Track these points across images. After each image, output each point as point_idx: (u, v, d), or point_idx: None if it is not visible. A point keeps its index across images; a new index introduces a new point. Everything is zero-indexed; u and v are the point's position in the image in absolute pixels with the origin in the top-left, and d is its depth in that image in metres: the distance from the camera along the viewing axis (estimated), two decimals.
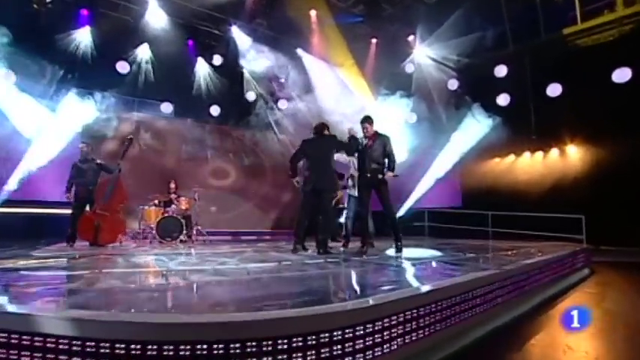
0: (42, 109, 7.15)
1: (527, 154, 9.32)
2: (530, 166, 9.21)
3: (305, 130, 10.74)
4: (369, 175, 4.99)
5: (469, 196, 9.32)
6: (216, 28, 9.32)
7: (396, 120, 10.43)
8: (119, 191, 5.19)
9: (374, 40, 10.31)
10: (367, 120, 5.16)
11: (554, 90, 8.73)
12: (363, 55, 10.55)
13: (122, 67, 8.83)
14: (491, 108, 9.06)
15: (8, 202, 6.56)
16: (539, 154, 9.20)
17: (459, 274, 2.85)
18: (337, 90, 10.48)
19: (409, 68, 10.47)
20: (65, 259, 3.76)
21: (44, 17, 7.53)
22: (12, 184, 6.42)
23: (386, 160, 5.23)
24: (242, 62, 10.03)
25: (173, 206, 6.36)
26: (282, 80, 10.87)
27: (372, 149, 5.02)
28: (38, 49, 7.32)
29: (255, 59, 10.01)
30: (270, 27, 10.01)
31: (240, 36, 9.68)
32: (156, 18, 8.32)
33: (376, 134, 5.17)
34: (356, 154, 5.58)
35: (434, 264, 4.13)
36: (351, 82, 10.54)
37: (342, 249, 5.40)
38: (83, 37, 7.98)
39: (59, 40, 7.73)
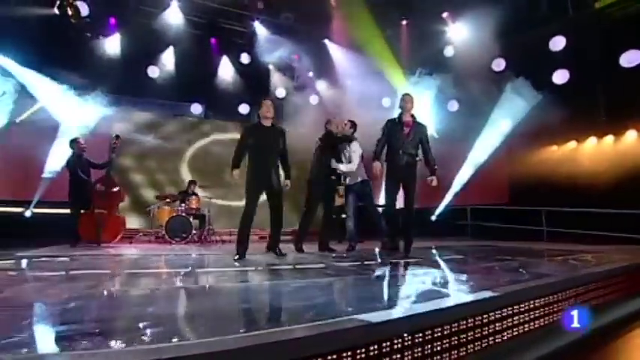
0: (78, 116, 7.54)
1: (592, 140, 7.81)
2: (596, 152, 7.69)
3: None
4: (400, 167, 4.36)
5: (518, 191, 8.06)
6: (239, 25, 9.19)
7: (429, 106, 9.53)
8: (113, 189, 5.22)
9: (404, 22, 9.46)
10: (409, 95, 4.52)
11: (630, 59, 7.16)
12: (394, 39, 9.77)
13: (152, 71, 9.13)
14: (545, 88, 7.75)
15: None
16: (609, 138, 7.64)
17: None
18: (366, 79, 9.86)
19: (446, 50, 9.44)
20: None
21: (77, 28, 7.96)
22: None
23: (419, 152, 4.61)
24: (268, 58, 9.83)
25: (183, 205, 6.29)
26: (310, 74, 10.52)
27: (408, 137, 4.39)
28: (71, 59, 7.81)
29: (281, 53, 9.76)
30: (295, 19, 9.67)
31: (263, 31, 9.47)
32: (177, 20, 8.40)
33: (414, 122, 4.50)
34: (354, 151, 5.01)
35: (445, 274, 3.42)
36: (382, 70, 9.83)
37: (344, 254, 4.81)
38: (112, 45, 8.34)
39: (90, 48, 8.16)
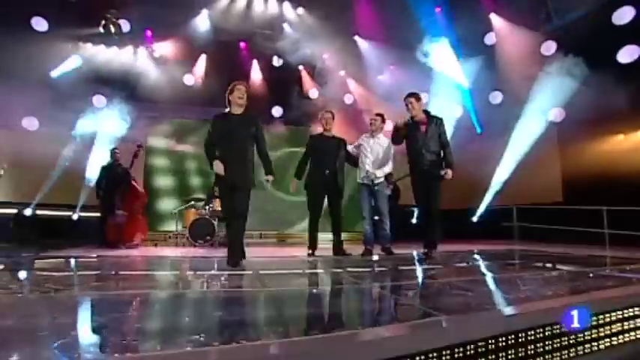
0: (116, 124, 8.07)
1: None
2: None
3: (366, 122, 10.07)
4: (425, 167, 4.17)
5: (574, 188, 7.08)
6: (268, 28, 9.23)
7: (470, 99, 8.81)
8: (133, 193, 5.46)
9: (437, 9, 8.83)
10: (412, 95, 4.28)
11: None
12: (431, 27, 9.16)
13: (188, 79, 9.51)
14: (606, 68, 6.71)
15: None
16: None
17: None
18: (401, 73, 9.39)
19: (487, 38, 8.64)
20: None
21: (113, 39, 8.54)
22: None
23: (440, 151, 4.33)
24: (298, 59, 9.77)
25: (207, 208, 6.39)
26: (342, 73, 10.28)
27: (427, 136, 4.18)
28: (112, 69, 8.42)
29: (311, 54, 9.64)
30: (324, 17, 9.50)
31: (293, 32, 9.42)
32: (206, 27, 8.66)
33: (429, 117, 4.27)
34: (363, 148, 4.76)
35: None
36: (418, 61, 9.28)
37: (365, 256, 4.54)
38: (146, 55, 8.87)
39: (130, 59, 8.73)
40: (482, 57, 8.64)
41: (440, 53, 8.80)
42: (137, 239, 5.51)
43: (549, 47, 7.73)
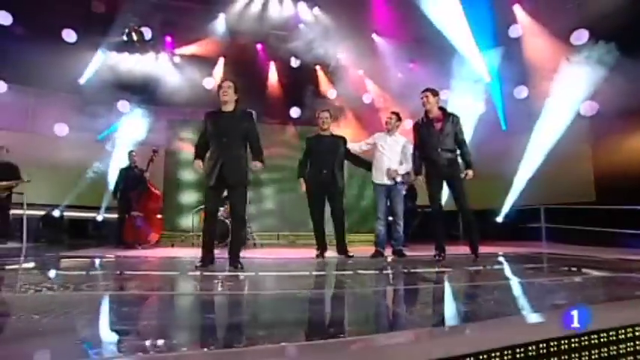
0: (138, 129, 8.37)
1: None
2: None
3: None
4: (442, 166, 4.06)
5: (607, 187, 6.57)
6: (284, 29, 9.27)
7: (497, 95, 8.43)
8: (149, 194, 5.60)
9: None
10: (428, 90, 4.17)
11: None
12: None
13: (208, 83, 9.72)
14: None
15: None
16: None
17: None
18: (419, 70, 9.15)
19: (511, 30, 8.22)
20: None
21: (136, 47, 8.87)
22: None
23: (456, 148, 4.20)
24: (315, 59, 9.74)
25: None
26: (361, 72, 10.14)
27: (443, 132, 4.06)
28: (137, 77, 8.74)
29: (329, 54, 9.59)
30: (340, 16, 9.42)
31: (309, 32, 9.41)
32: (223, 30, 8.82)
33: (444, 114, 4.15)
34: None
35: None
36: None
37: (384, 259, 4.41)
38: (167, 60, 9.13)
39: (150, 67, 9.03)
40: (506, 49, 8.25)
41: (462, 46, 8.50)
42: (153, 240, 5.66)
43: (580, 36, 7.23)
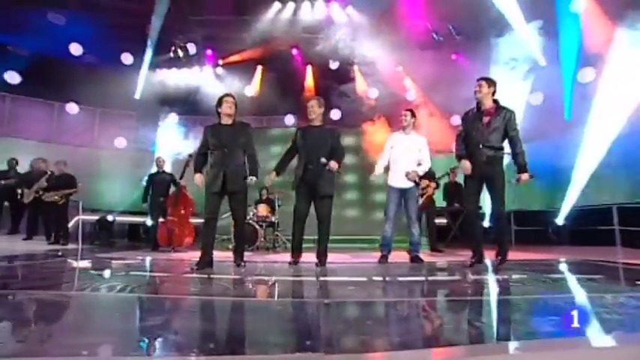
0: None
1: None
2: None
3: (437, 122, 9.30)
4: (480, 164, 3.67)
5: None
6: (317, 31, 9.24)
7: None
8: (182, 199, 5.87)
9: None
10: (484, 79, 3.79)
11: None
12: None
13: (249, 90, 10.08)
14: None
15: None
16: None
17: None
18: (463, 62, 8.45)
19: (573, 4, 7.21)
20: None
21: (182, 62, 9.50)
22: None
23: (505, 146, 3.78)
24: (351, 59, 9.55)
25: (251, 213, 6.52)
26: (400, 69, 9.71)
27: (489, 127, 3.66)
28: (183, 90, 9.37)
29: (365, 53, 9.34)
30: (374, 13, 9.13)
31: (344, 32, 9.25)
32: (259, 39, 9.06)
33: (497, 108, 3.74)
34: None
35: None
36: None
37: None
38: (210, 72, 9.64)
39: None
40: (564, 28, 7.26)
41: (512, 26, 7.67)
42: (187, 244, 5.92)
43: None
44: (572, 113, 7.61)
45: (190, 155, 6.06)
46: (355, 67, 9.84)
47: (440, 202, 7.21)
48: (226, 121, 3.68)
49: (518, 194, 6.87)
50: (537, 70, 7.56)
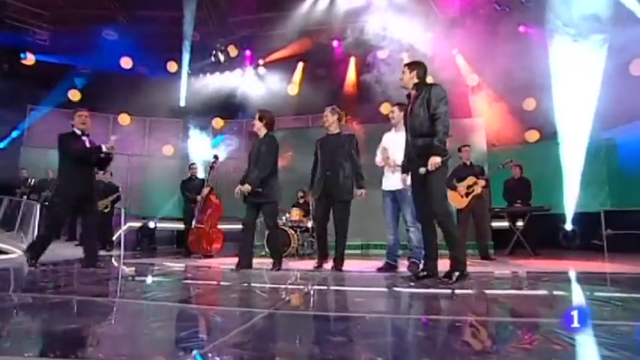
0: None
1: None
2: None
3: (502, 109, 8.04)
4: (414, 156, 3.02)
5: None
6: (356, 20, 8.48)
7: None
8: (210, 205, 5.54)
9: None
10: (406, 64, 3.16)
11: None
12: None
13: (291, 89, 9.69)
14: None
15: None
16: None
17: None
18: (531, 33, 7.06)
19: None
20: None
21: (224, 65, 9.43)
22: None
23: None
24: (398, 47, 8.62)
25: (284, 218, 6.04)
26: (455, 51, 8.55)
27: (412, 114, 2.99)
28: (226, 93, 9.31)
29: (413, 39, 8.37)
30: None
31: (387, 19, 8.37)
32: (298, 35, 8.61)
33: (418, 86, 3.02)
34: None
35: None
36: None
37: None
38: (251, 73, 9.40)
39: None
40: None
41: None
42: (215, 250, 5.61)
43: None
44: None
45: (216, 157, 5.78)
46: (404, 55, 8.87)
47: (499, 201, 6.12)
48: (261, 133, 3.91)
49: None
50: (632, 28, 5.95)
